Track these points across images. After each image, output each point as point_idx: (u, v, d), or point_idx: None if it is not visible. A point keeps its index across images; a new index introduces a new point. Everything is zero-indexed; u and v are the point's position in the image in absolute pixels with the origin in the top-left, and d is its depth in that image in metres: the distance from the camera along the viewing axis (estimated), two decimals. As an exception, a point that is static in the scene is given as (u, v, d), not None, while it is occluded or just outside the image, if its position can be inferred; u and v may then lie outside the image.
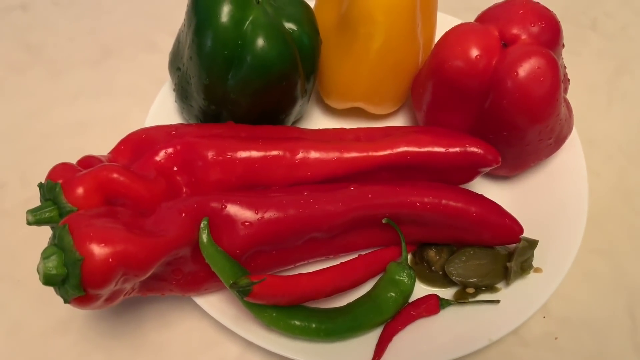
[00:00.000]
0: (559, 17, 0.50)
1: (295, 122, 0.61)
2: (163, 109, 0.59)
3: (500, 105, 0.49)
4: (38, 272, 0.38)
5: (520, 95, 0.47)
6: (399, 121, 0.62)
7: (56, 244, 0.38)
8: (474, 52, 0.49)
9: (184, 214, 0.43)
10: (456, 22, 0.64)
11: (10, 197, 0.59)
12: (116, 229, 0.39)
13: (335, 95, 0.59)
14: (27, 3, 0.75)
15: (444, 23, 0.60)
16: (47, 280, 0.38)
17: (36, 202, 0.49)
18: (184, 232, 0.42)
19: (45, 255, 0.38)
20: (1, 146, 0.62)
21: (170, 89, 0.60)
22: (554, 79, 0.47)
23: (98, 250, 0.37)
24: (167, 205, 0.44)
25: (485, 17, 0.52)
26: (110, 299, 0.41)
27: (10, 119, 0.64)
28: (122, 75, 0.69)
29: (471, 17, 0.54)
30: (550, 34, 0.49)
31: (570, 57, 0.51)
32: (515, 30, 0.49)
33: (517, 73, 0.47)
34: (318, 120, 0.63)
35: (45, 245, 0.42)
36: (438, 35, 0.58)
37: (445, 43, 0.51)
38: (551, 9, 0.50)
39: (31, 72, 0.69)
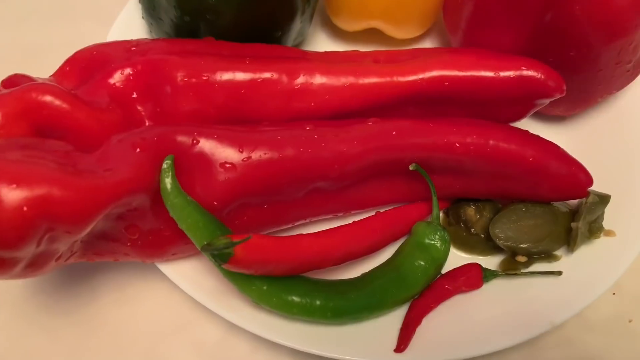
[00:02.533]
0: None
1: (295, 46, 0.48)
2: (128, 28, 0.47)
3: (570, 16, 0.37)
4: None
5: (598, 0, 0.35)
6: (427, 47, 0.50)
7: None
8: (537, -58, 0.36)
9: (138, 149, 0.31)
10: None
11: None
12: (38, 164, 0.28)
13: (348, 13, 0.47)
14: None
15: None
16: None
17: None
18: (138, 173, 0.31)
19: None
20: None
21: (136, 6, 0.48)
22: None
23: (8, 193, 0.26)
24: (117, 137, 0.32)
25: None
26: (35, 264, 0.29)
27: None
28: (81, -7, 0.56)
29: None
30: None
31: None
32: None
33: (599, -33, 0.34)
34: (324, 47, 0.51)
35: None
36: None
37: None
38: None
39: (-28, -12, 0.56)
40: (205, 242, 0.30)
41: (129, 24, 0.47)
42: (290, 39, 0.46)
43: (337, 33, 0.51)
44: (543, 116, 0.45)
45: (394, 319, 0.36)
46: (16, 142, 0.29)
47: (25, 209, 0.26)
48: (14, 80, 0.35)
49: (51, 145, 0.31)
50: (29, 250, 0.27)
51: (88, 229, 0.29)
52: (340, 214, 0.40)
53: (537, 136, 0.39)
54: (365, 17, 0.47)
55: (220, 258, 0.30)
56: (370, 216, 0.39)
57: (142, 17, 0.46)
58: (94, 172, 0.29)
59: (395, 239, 0.39)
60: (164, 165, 0.32)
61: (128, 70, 0.37)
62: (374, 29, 0.48)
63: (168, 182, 0.32)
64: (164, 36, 0.44)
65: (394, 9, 0.45)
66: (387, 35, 0.48)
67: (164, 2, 0.41)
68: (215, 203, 0.33)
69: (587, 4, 0.36)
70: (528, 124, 0.45)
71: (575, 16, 0.37)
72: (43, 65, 0.51)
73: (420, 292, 0.37)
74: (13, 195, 0.26)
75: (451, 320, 0.36)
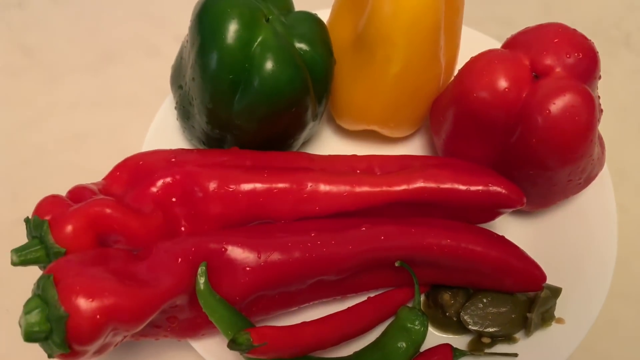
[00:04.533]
0: (589, 30, 0.46)
1: (304, 142, 0.57)
2: (164, 126, 0.56)
3: (528, 143, 0.45)
4: (20, 326, 0.35)
5: (551, 134, 0.43)
6: (415, 145, 0.58)
7: (40, 296, 0.35)
8: (502, 84, 0.44)
9: (180, 259, 0.40)
10: (481, 37, 0.60)
11: (1, 216, 0.56)
12: (106, 279, 0.36)
13: (348, 117, 0.55)
14: (24, 0, 0.71)
15: (468, 38, 0.56)
16: (29, 337, 0.35)
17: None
18: (180, 281, 0.39)
19: (27, 309, 0.35)
20: (-7, 158, 0.59)
21: (172, 104, 0.56)
22: (590, 119, 0.43)
23: (85, 305, 0.34)
24: (163, 247, 0.41)
25: (515, 43, 0.48)
26: (99, 351, 0.37)
27: (4, 128, 0.61)
28: (123, 83, 0.65)
29: (496, 28, 0.50)
30: (587, 66, 0.44)
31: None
32: (548, 61, 0.45)
33: (549, 110, 0.43)
34: (329, 141, 0.59)
35: (38, 270, 0.39)
36: (462, 52, 0.54)
37: (471, 71, 0.47)
38: (581, 21, 0.46)
39: (26, 76, 0.65)
40: (229, 339, 0.38)
41: (165, 124, 0.55)
42: (301, 141, 0.54)
43: (340, 131, 0.58)
44: (514, 210, 0.53)
45: (379, 391, 0.44)
46: (86, 257, 0.38)
47: (98, 317, 0.34)
48: (77, 192, 0.44)
49: (110, 257, 0.39)
50: (98, 344, 0.36)
51: (143, 326, 0.37)
52: (338, 298, 0.48)
53: (502, 237, 0.47)
54: (364, 122, 0.55)
55: (242, 350, 0.38)
56: (362, 302, 0.47)
57: (177, 119, 0.55)
58: (147, 281, 0.38)
59: (383, 320, 0.47)
60: (199, 271, 0.40)
61: (169, 179, 0.45)
62: (371, 129, 0.56)
63: (202, 283, 0.40)
64: (196, 140, 0.53)
65: (387, 117, 0.53)
66: (383, 134, 0.57)
67: (198, 117, 0.50)
68: (237, 298, 0.42)
69: (542, 137, 0.43)
70: (502, 217, 0.53)
71: (532, 145, 0.44)
72: (90, 149, 0.60)
73: (402, 369, 0.45)
74: (90, 306, 0.34)
75: (426, 392, 0.44)
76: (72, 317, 0.34)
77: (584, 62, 0.44)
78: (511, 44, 0.48)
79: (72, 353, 0.35)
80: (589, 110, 0.43)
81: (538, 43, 0.46)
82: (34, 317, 0.35)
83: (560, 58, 0.44)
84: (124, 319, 0.35)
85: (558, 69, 0.44)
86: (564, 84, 0.43)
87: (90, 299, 0.34)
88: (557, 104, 0.42)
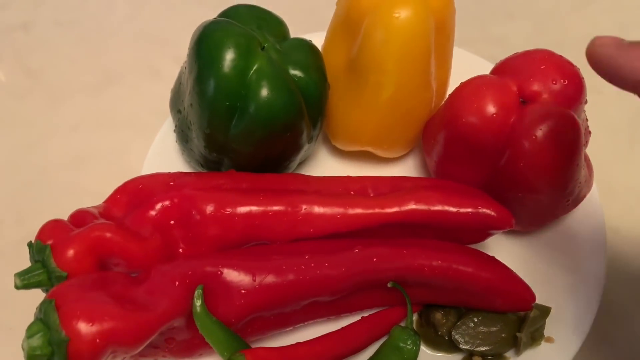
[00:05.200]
0: (581, 49, 0.45)
1: (300, 163, 0.58)
2: (164, 148, 0.57)
3: (516, 167, 0.46)
4: (22, 349, 0.36)
5: (537, 159, 0.44)
6: (409, 165, 0.60)
7: (42, 320, 0.37)
8: (491, 109, 0.46)
9: (177, 283, 0.41)
10: (473, 58, 0.62)
11: (6, 236, 0.57)
12: (105, 303, 0.37)
13: (343, 138, 0.57)
14: (29, 22, 0.73)
15: (461, 59, 0.57)
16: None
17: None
18: (177, 304, 0.40)
19: (29, 334, 0.36)
20: (-2, 179, 0.61)
21: (171, 127, 0.58)
22: (575, 143, 0.44)
23: (85, 329, 0.35)
24: (160, 271, 0.42)
25: (503, 69, 0.49)
26: (99, 373, 0.39)
27: (7, 150, 0.63)
28: (124, 105, 0.66)
29: (488, 49, 0.51)
30: (573, 92, 0.46)
31: (590, 96, 0.48)
32: (535, 87, 0.46)
33: (536, 136, 0.44)
34: (325, 161, 0.60)
35: (40, 292, 0.41)
36: (455, 72, 0.56)
37: (461, 97, 0.48)
38: (572, 39, 0.47)
39: (30, 98, 0.67)
40: (227, 357, 0.39)
41: (165, 145, 0.57)
42: (297, 163, 0.55)
43: (335, 151, 0.60)
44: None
45: (372, 410, 0.45)
46: (86, 282, 0.39)
47: (97, 340, 0.35)
48: (79, 216, 0.45)
49: (110, 280, 0.40)
50: (98, 366, 0.37)
51: (141, 348, 0.39)
52: (332, 318, 0.49)
53: (493, 258, 0.48)
54: (358, 143, 0.56)
55: (238, 371, 0.39)
56: (355, 322, 0.48)
57: (176, 141, 0.57)
58: (145, 305, 0.39)
59: (376, 339, 0.48)
60: (196, 294, 0.41)
61: (167, 203, 0.46)
62: (365, 150, 0.58)
63: (198, 306, 0.41)
64: (194, 162, 0.54)
65: (381, 139, 0.55)
66: (376, 155, 0.58)
67: (196, 141, 0.51)
68: (232, 320, 0.43)
69: (529, 161, 0.45)
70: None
71: (520, 168, 0.45)
72: (91, 171, 0.62)
73: (394, 388, 0.46)
74: (89, 330, 0.35)
75: (417, 411, 0.45)
76: (72, 341, 0.35)
77: (570, 88, 0.46)
78: (500, 69, 0.49)
79: (73, 375, 0.37)
80: (574, 135, 0.44)
81: (525, 69, 0.47)
82: (36, 341, 0.36)
83: (547, 84, 0.46)
84: (122, 342, 0.37)
85: (545, 95, 0.46)
86: (550, 110, 0.44)
87: (90, 324, 0.36)
88: (543, 130, 0.44)
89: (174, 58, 0.69)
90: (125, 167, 0.50)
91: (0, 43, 0.71)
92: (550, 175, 0.45)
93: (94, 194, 0.49)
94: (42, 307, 0.37)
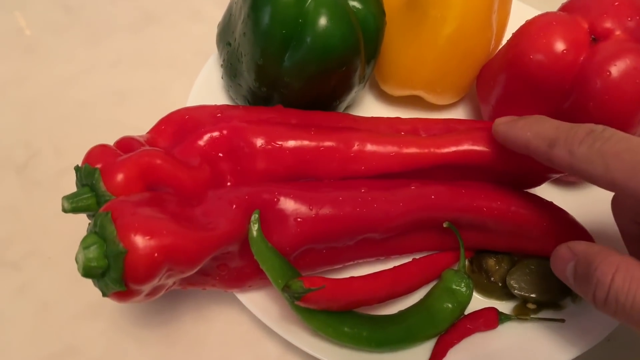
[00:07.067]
0: None
1: (347, 107, 0.56)
2: (208, 85, 0.56)
3: (585, 107, 0.44)
4: (77, 262, 0.35)
5: (609, 98, 0.42)
6: (459, 113, 0.58)
7: (97, 233, 0.35)
8: (560, 46, 0.44)
9: (234, 206, 0.40)
10: (531, 12, 0.59)
11: (43, 167, 0.56)
12: (163, 219, 0.36)
13: (394, 82, 0.55)
14: (67, -40, 0.71)
15: (518, 12, 0.55)
16: (87, 272, 0.34)
17: (69, 174, 0.46)
18: (235, 226, 0.39)
19: (85, 245, 0.35)
20: (35, 112, 0.59)
21: (216, 64, 0.56)
22: (651, 83, 0.42)
23: (143, 243, 0.34)
24: (216, 194, 0.41)
25: (572, 7, 0.47)
26: (151, 294, 0.37)
27: (46, 84, 0.61)
28: (164, 44, 0.65)
29: (547, 8, 0.49)
30: (649, 30, 0.44)
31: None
32: (608, 24, 0.44)
33: (610, 72, 0.42)
34: (370, 107, 0.58)
35: (80, 220, 0.39)
36: (510, 25, 0.53)
37: (527, 33, 0.46)
38: None
39: (68, 34, 0.65)
40: (283, 285, 0.38)
41: (209, 82, 0.55)
42: (345, 105, 0.54)
43: (383, 97, 0.58)
44: (559, 181, 0.53)
45: (424, 350, 0.43)
46: (142, 198, 0.38)
47: (156, 255, 0.34)
48: (126, 143, 0.43)
49: (165, 200, 0.39)
50: (153, 284, 0.36)
51: (196, 270, 0.37)
52: (382, 258, 0.48)
53: (550, 203, 0.47)
54: (409, 87, 0.54)
55: (295, 297, 0.38)
56: (407, 262, 0.47)
57: (222, 78, 0.55)
58: (203, 224, 0.38)
59: (427, 282, 0.47)
60: (252, 218, 0.40)
61: (216, 134, 0.44)
62: (415, 96, 0.56)
63: (255, 231, 0.40)
64: (241, 99, 0.53)
65: (436, 82, 0.53)
66: (426, 101, 0.56)
67: (246, 74, 0.50)
68: (287, 248, 0.41)
69: (600, 101, 0.43)
70: (544, 188, 0.52)
71: (589, 109, 0.44)
72: (132, 107, 0.60)
73: (446, 329, 0.44)
74: (148, 244, 0.34)
75: (471, 354, 0.43)
76: (130, 253, 0.33)
77: (646, 26, 0.43)
78: (569, 6, 0.47)
79: (127, 292, 0.35)
80: (651, 73, 0.42)
81: (597, 6, 0.45)
82: (92, 252, 0.34)
83: (621, 21, 0.44)
84: (180, 260, 0.35)
85: (618, 32, 0.44)
86: (626, 47, 0.42)
87: (149, 237, 0.34)
88: (619, 66, 0.42)
89: (214, 1, 0.67)
90: (167, 104, 0.48)
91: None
92: (621, 115, 0.43)
93: (134, 129, 0.47)
94: (98, 220, 0.35)
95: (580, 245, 0.37)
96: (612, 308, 0.33)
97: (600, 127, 0.35)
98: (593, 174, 0.35)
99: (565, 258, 0.37)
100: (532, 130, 0.39)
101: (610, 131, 0.35)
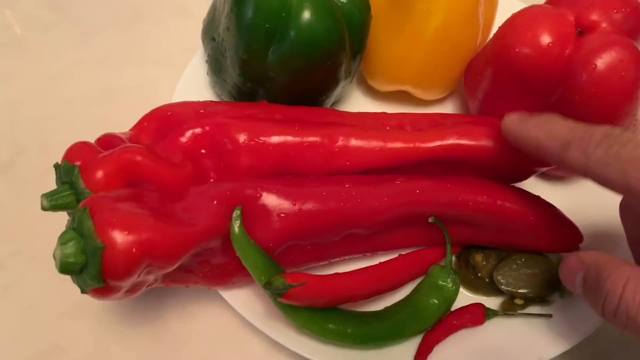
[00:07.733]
0: None
1: (334, 103, 0.56)
2: (193, 81, 0.55)
3: (571, 101, 0.43)
4: (54, 258, 0.35)
5: (596, 91, 0.42)
6: (447, 109, 0.58)
7: (75, 229, 0.35)
8: (546, 39, 0.43)
9: (216, 202, 0.39)
10: (518, 5, 0.59)
11: (28, 165, 0.55)
12: (142, 214, 0.35)
13: (381, 77, 0.54)
14: (54, -43, 0.71)
15: (505, 5, 0.54)
16: (64, 268, 0.34)
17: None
18: (216, 222, 0.38)
19: (62, 241, 0.34)
20: (21, 109, 0.59)
21: (202, 60, 0.56)
22: (637, 75, 0.42)
23: (121, 238, 0.33)
24: (197, 190, 0.40)
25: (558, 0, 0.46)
26: (131, 291, 0.37)
27: (32, 81, 0.61)
28: (152, 41, 0.64)
29: (533, 1, 0.49)
30: (634, 22, 0.43)
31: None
32: (594, 17, 0.44)
33: (595, 65, 0.41)
34: (358, 103, 0.58)
35: (65, 218, 0.39)
36: (498, 18, 0.53)
37: (513, 27, 0.45)
38: None
39: (56, 31, 0.65)
40: (265, 281, 0.38)
41: (194, 79, 0.55)
42: (332, 100, 0.53)
43: (370, 92, 0.58)
44: (546, 176, 0.53)
45: (410, 347, 0.43)
46: (121, 194, 0.37)
47: (134, 250, 0.34)
48: (106, 140, 0.43)
49: (145, 196, 0.38)
50: (132, 280, 0.35)
51: (177, 265, 0.37)
52: (369, 254, 0.48)
53: (537, 197, 0.46)
54: (397, 81, 0.54)
55: (277, 294, 0.38)
56: (393, 258, 0.46)
57: (207, 74, 0.55)
58: (183, 220, 0.37)
59: (414, 278, 0.46)
60: (234, 214, 0.39)
61: (198, 130, 0.43)
62: (402, 91, 0.55)
63: (237, 228, 0.39)
64: (227, 94, 0.52)
65: (423, 77, 0.52)
66: (413, 97, 0.56)
67: (230, 70, 0.49)
68: (270, 245, 0.41)
69: (586, 94, 0.42)
70: (532, 182, 0.52)
71: (575, 102, 0.43)
72: (119, 104, 0.60)
73: (433, 326, 0.44)
74: (126, 239, 0.33)
75: (457, 350, 0.43)
76: (108, 249, 0.33)
77: (632, 18, 0.43)
78: (554, 0, 0.46)
79: (105, 288, 0.35)
80: (637, 65, 0.41)
81: (583, -2, 0.44)
82: (70, 248, 0.34)
83: (607, 13, 0.43)
84: (159, 255, 0.35)
85: (604, 25, 0.43)
86: (611, 39, 0.42)
87: (127, 232, 0.34)
88: (604, 59, 0.41)
89: (203, -3, 0.67)
90: (155, 101, 0.47)
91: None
92: (607, 108, 0.43)
93: (119, 126, 0.47)
94: (76, 216, 0.35)
95: (589, 256, 0.35)
96: (622, 320, 0.31)
97: (617, 130, 0.34)
98: (608, 178, 0.33)
99: (574, 268, 0.36)
100: (545, 129, 0.37)
101: (628, 135, 0.33)
